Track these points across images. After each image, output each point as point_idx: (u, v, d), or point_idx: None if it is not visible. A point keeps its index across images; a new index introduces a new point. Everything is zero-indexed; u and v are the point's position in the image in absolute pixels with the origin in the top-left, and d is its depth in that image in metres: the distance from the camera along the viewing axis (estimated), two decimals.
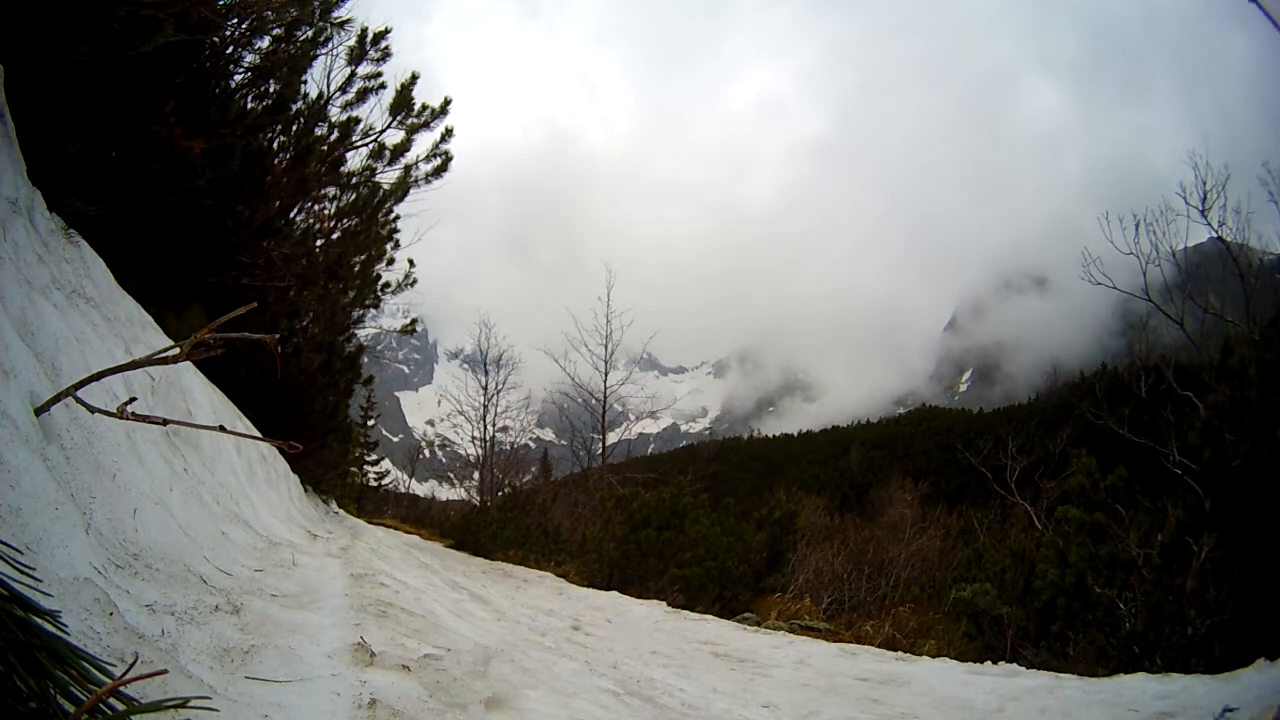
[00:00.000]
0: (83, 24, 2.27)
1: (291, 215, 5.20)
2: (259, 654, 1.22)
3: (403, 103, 5.64)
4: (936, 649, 5.62)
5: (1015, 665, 3.49)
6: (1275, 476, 3.81)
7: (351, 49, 5.25)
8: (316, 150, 4.80)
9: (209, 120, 3.50)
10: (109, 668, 0.80)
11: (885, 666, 3.27)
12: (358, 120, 5.48)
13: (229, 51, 4.07)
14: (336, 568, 2.44)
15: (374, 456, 19.16)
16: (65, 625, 0.81)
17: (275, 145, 4.74)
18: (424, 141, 6.02)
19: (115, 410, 1.26)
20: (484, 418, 15.43)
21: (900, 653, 4.44)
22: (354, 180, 5.81)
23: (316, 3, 4.43)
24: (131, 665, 0.86)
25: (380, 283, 7.32)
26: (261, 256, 4.39)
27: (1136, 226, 7.57)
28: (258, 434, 3.70)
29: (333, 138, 5.30)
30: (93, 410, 1.30)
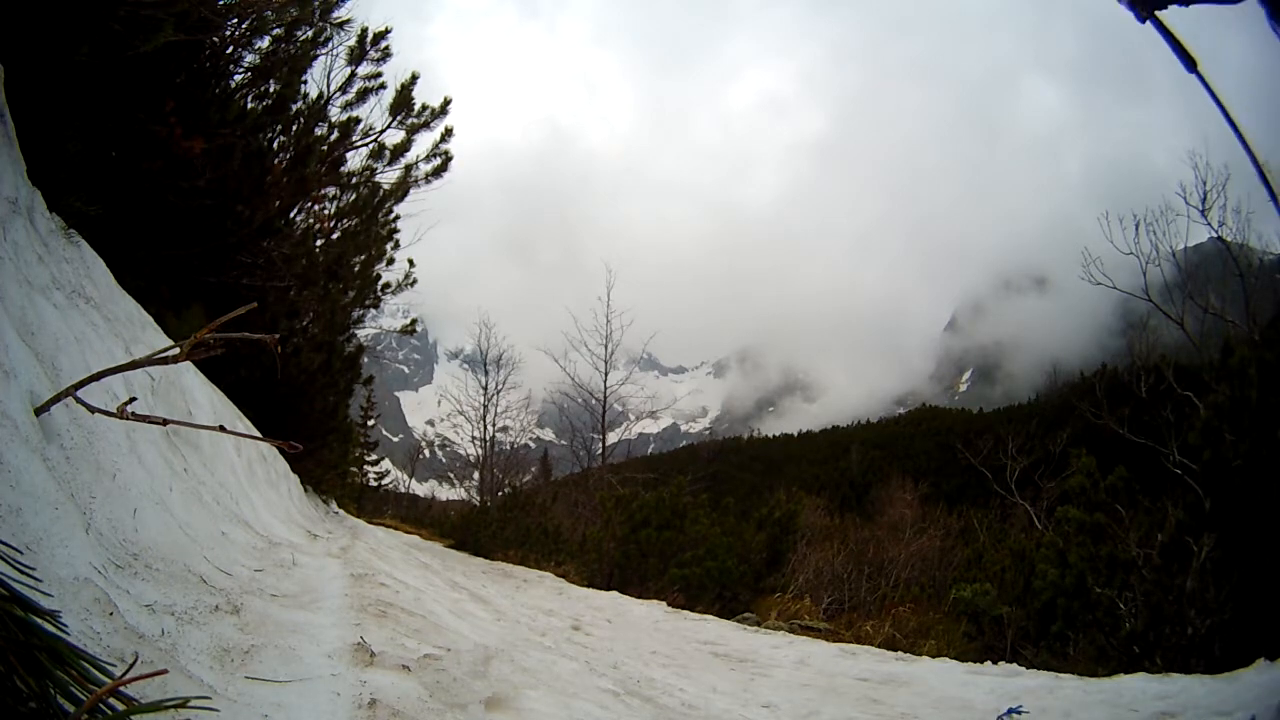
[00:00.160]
0: (83, 24, 2.27)
1: (291, 215, 5.20)
2: (259, 654, 1.22)
3: (403, 103, 5.64)
4: (936, 649, 5.62)
5: (1015, 665, 3.49)
6: (1275, 476, 3.81)
7: (351, 49, 5.26)
8: (316, 150, 4.80)
9: (209, 120, 3.50)
10: (109, 668, 0.80)
11: (885, 666, 3.27)
12: (358, 120, 5.48)
13: (229, 51, 4.07)
14: (336, 568, 2.44)
15: (374, 456, 19.17)
16: (65, 625, 0.81)
17: (275, 145, 4.75)
18: (424, 141, 6.03)
19: (115, 410, 1.26)
20: (484, 418, 15.44)
21: (900, 653, 4.44)
22: (354, 180, 5.81)
23: (316, 3, 4.43)
24: (131, 665, 0.86)
25: (380, 283, 7.32)
26: (261, 256, 4.39)
27: (1136, 226, 7.58)
28: (258, 434, 3.70)
29: (333, 138, 5.30)
30: (93, 410, 1.30)
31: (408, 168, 6.05)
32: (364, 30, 5.22)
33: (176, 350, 1.26)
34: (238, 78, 4.31)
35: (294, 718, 1.02)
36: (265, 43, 4.35)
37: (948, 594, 7.81)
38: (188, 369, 2.74)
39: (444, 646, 1.61)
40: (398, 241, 7.16)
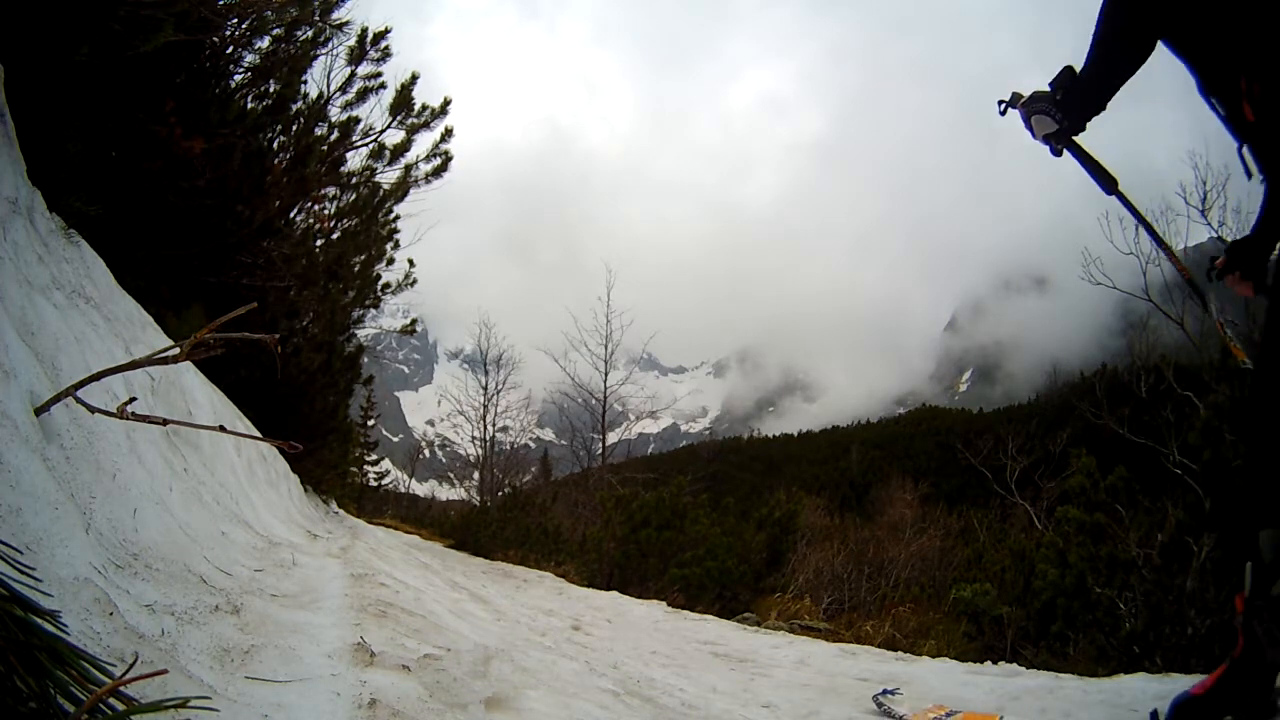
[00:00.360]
0: (83, 24, 2.27)
1: (291, 215, 5.20)
2: (259, 654, 1.22)
3: (403, 103, 5.65)
4: (936, 649, 5.62)
5: (1015, 665, 3.48)
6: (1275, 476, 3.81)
7: (351, 49, 5.26)
8: (316, 150, 4.80)
9: (209, 120, 3.51)
10: (109, 668, 0.80)
11: (885, 666, 3.27)
12: (358, 120, 5.49)
13: (229, 51, 4.07)
14: (336, 568, 2.44)
15: (374, 456, 19.19)
16: (65, 625, 0.81)
17: (275, 145, 4.75)
18: (424, 141, 6.03)
19: (115, 410, 1.26)
20: (484, 418, 15.46)
21: (900, 653, 4.44)
22: (354, 180, 5.82)
23: (316, 3, 4.43)
24: (131, 665, 0.86)
25: (380, 283, 7.32)
26: (261, 256, 4.39)
27: (1136, 227, 7.58)
28: (258, 434, 3.70)
29: (333, 138, 5.30)
30: (93, 410, 1.30)
31: (408, 168, 6.06)
32: (364, 30, 5.23)
33: (176, 350, 1.26)
34: (238, 78, 4.31)
35: (294, 718, 1.02)
36: (265, 43, 4.36)
37: (948, 594, 7.82)
38: (188, 369, 2.74)
39: (444, 646, 1.61)
40: (398, 241, 7.17)
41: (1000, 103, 1.98)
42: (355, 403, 11.33)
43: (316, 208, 5.62)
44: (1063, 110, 1.82)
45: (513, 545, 9.04)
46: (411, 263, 7.59)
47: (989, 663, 3.93)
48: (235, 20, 3.77)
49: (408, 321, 9.25)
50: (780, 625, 6.17)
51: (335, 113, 5.35)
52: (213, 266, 3.97)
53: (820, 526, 12.55)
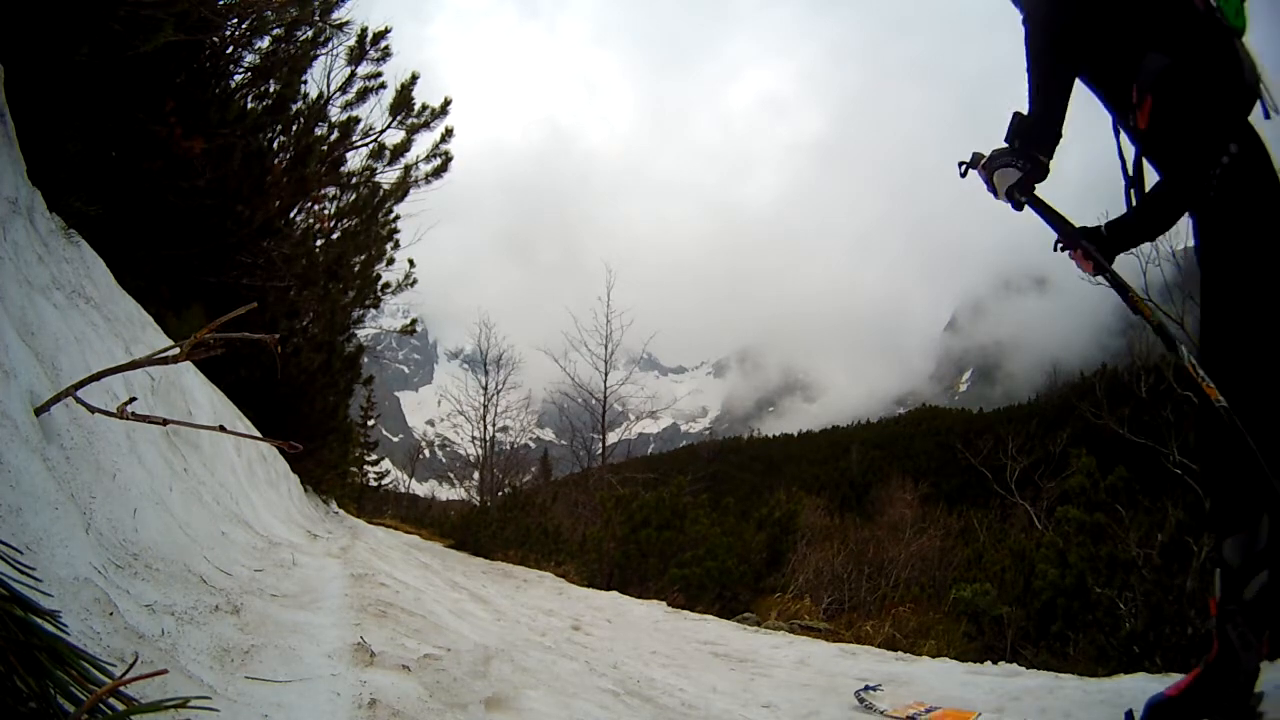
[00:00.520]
0: (83, 24, 2.27)
1: (291, 215, 5.20)
2: (259, 654, 1.21)
3: (403, 103, 5.65)
4: (936, 649, 5.62)
5: (1015, 665, 3.48)
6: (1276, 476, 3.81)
7: (351, 49, 5.26)
8: (316, 150, 4.80)
9: (209, 120, 3.51)
10: (109, 668, 0.80)
11: (885, 666, 3.27)
12: (358, 120, 5.49)
13: (229, 51, 4.07)
14: (336, 568, 2.44)
15: (374, 456, 19.18)
16: (65, 625, 0.81)
17: (275, 145, 4.75)
18: (424, 141, 6.04)
19: (115, 410, 1.26)
20: (484, 418, 15.46)
21: (900, 653, 4.44)
22: (354, 180, 5.82)
23: (316, 3, 4.43)
24: (131, 665, 0.86)
25: (380, 283, 7.32)
26: (261, 256, 4.39)
27: None
28: (258, 434, 3.70)
29: (333, 138, 5.30)
30: (93, 410, 1.30)
31: (408, 168, 6.06)
32: (364, 30, 5.23)
33: (176, 350, 1.26)
34: (238, 78, 4.31)
35: (294, 718, 1.02)
36: (265, 43, 4.36)
37: (948, 594, 7.82)
38: (188, 369, 2.74)
39: (444, 646, 1.61)
40: (398, 241, 7.17)
41: (960, 164, 1.99)
42: (355, 403, 11.33)
43: (316, 208, 5.62)
44: (1023, 156, 1.84)
45: (513, 545, 9.04)
46: (411, 263, 7.60)
47: (989, 663, 3.93)
48: (235, 20, 3.77)
49: (408, 321, 9.25)
50: (780, 625, 6.17)
51: (335, 113, 5.36)
52: (213, 266, 3.97)
53: (820, 526, 12.55)
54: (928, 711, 2.23)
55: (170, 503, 1.71)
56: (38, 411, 1.24)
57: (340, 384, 6.49)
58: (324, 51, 5.02)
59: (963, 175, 2.00)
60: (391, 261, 7.25)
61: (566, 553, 9.10)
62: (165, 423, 1.33)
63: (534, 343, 15.84)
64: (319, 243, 5.62)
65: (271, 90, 4.48)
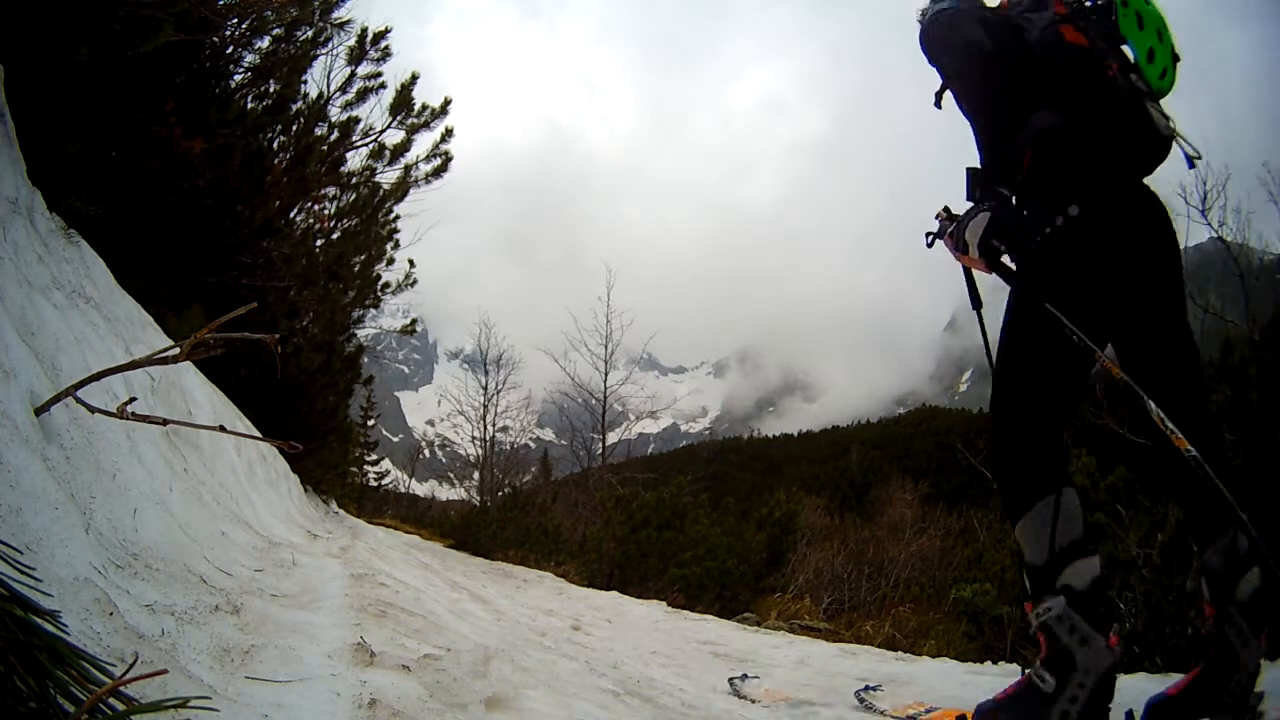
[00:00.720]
0: (83, 24, 2.28)
1: (291, 215, 5.20)
2: (259, 654, 1.22)
3: (403, 103, 5.65)
4: (936, 649, 5.62)
5: (1015, 665, 3.49)
6: (1275, 476, 3.81)
7: (351, 49, 5.26)
8: (316, 150, 4.80)
9: (209, 120, 3.51)
10: (109, 668, 0.80)
11: (885, 666, 3.27)
12: (358, 120, 5.49)
13: (229, 51, 4.07)
14: (336, 568, 2.44)
15: (374, 456, 19.16)
16: (65, 625, 0.81)
17: (275, 145, 4.75)
18: (424, 141, 6.04)
19: (115, 410, 1.26)
20: (484, 418, 15.47)
21: (900, 653, 4.44)
22: (354, 180, 5.82)
23: (316, 3, 4.43)
24: (131, 665, 0.86)
25: (380, 283, 7.33)
26: (261, 256, 4.39)
27: None
28: (258, 434, 3.70)
29: (333, 138, 5.30)
30: (93, 410, 1.30)
31: (408, 168, 6.06)
32: (364, 30, 5.23)
33: (176, 350, 1.26)
34: (238, 78, 4.31)
35: (294, 718, 1.02)
36: (265, 43, 4.36)
37: (948, 594, 7.82)
38: (188, 369, 2.74)
39: (444, 646, 1.61)
40: (398, 241, 7.17)
41: (928, 235, 1.99)
42: (355, 403, 11.33)
43: (316, 208, 5.62)
44: (989, 198, 1.80)
45: (513, 545, 9.04)
46: (411, 263, 7.60)
47: (989, 663, 3.92)
48: (235, 20, 3.77)
49: (408, 321, 9.26)
50: (780, 625, 6.17)
51: (335, 113, 5.36)
52: (213, 266, 3.97)
53: (820, 526, 12.55)
54: (928, 711, 2.24)
55: (170, 503, 1.71)
56: (38, 411, 1.24)
57: (340, 384, 6.49)
58: (324, 51, 5.03)
59: (929, 245, 2.00)
60: (391, 261, 7.26)
61: (566, 553, 9.10)
62: (165, 423, 1.33)
63: (534, 343, 15.85)
64: (319, 243, 5.62)
65: (271, 90, 4.48)
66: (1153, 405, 1.66)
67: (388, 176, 6.03)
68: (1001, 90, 1.75)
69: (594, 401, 13.64)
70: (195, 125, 3.30)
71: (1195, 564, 4.23)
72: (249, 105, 4.31)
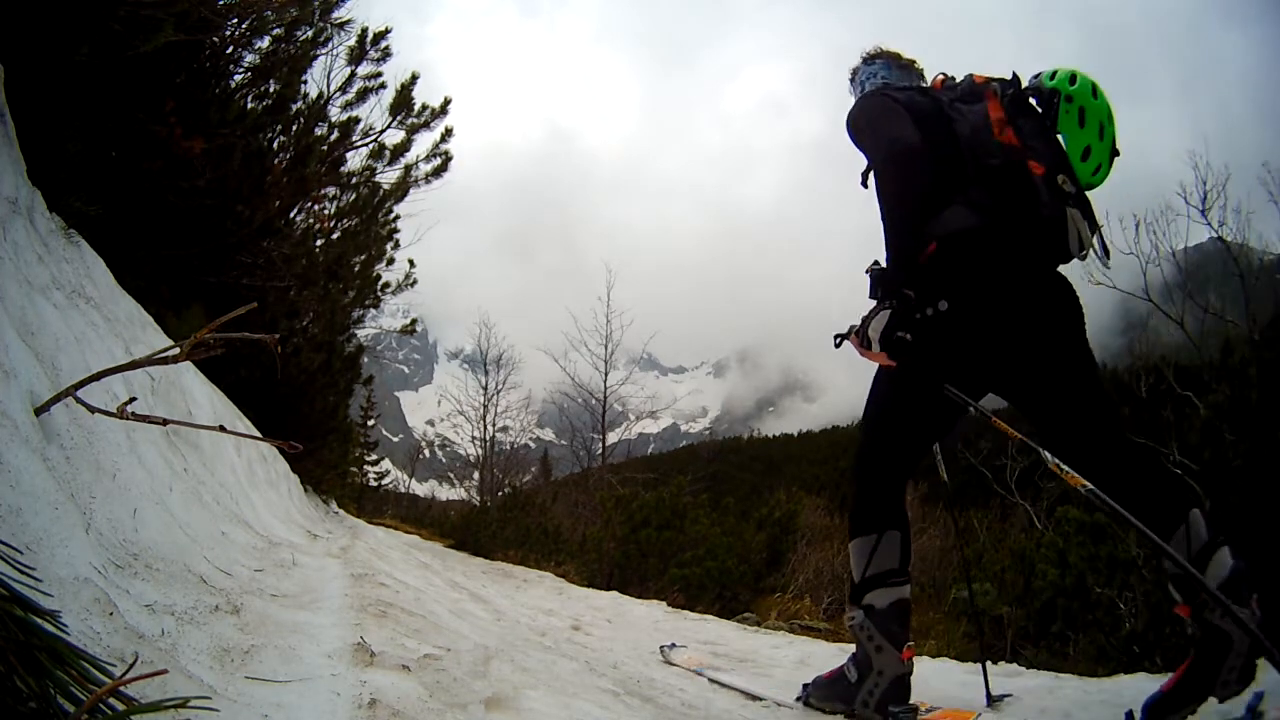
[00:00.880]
0: (83, 24, 2.28)
1: (291, 215, 5.20)
2: (259, 654, 1.22)
3: (403, 103, 5.65)
4: (936, 649, 5.62)
5: (1015, 665, 3.48)
6: (1275, 476, 3.81)
7: (351, 49, 5.26)
8: (316, 150, 4.80)
9: (209, 120, 3.50)
10: (109, 668, 0.80)
11: None
12: (358, 120, 5.49)
13: (229, 51, 4.07)
14: (336, 567, 2.44)
15: (374, 456, 19.16)
16: (65, 625, 0.81)
17: (275, 145, 4.75)
18: (424, 141, 6.04)
19: (115, 410, 1.26)
20: (484, 418, 15.46)
21: None
22: (354, 180, 5.82)
23: (316, 3, 4.43)
24: (131, 665, 0.86)
25: (380, 283, 7.33)
26: (261, 256, 4.39)
27: (1136, 226, 7.58)
28: (258, 434, 3.70)
29: (333, 138, 5.30)
30: (93, 410, 1.30)
31: (408, 168, 6.06)
32: (364, 30, 5.23)
33: (176, 350, 1.26)
34: (238, 78, 4.31)
35: (294, 718, 1.02)
36: (265, 43, 4.35)
37: (948, 594, 7.82)
38: (188, 369, 2.74)
39: (444, 646, 1.61)
40: (398, 241, 7.17)
41: (836, 337, 2.11)
42: (355, 403, 11.33)
43: (316, 208, 5.62)
44: (890, 297, 1.91)
45: (513, 545, 9.03)
46: (411, 263, 7.60)
47: (989, 663, 3.92)
48: (235, 20, 3.77)
49: (408, 321, 9.26)
50: (780, 625, 6.17)
51: (335, 113, 5.36)
52: (213, 266, 3.97)
53: (820, 526, 12.53)
54: (928, 711, 2.24)
55: (170, 503, 1.71)
56: (38, 411, 1.24)
57: (340, 384, 6.49)
58: (324, 51, 5.02)
59: (837, 346, 2.11)
60: (391, 261, 7.26)
61: (566, 553, 9.10)
62: (165, 423, 1.33)
63: (534, 343, 15.84)
64: (319, 243, 5.62)
65: (271, 90, 4.48)
66: (1047, 455, 1.85)
67: (388, 176, 6.03)
68: (918, 198, 1.86)
69: (594, 401, 13.64)
70: (195, 125, 3.30)
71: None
72: (249, 105, 4.31)
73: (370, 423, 19.07)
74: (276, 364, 1.44)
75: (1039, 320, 1.88)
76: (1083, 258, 1.93)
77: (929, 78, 2.21)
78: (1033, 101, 1.94)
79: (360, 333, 7.89)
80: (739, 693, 2.47)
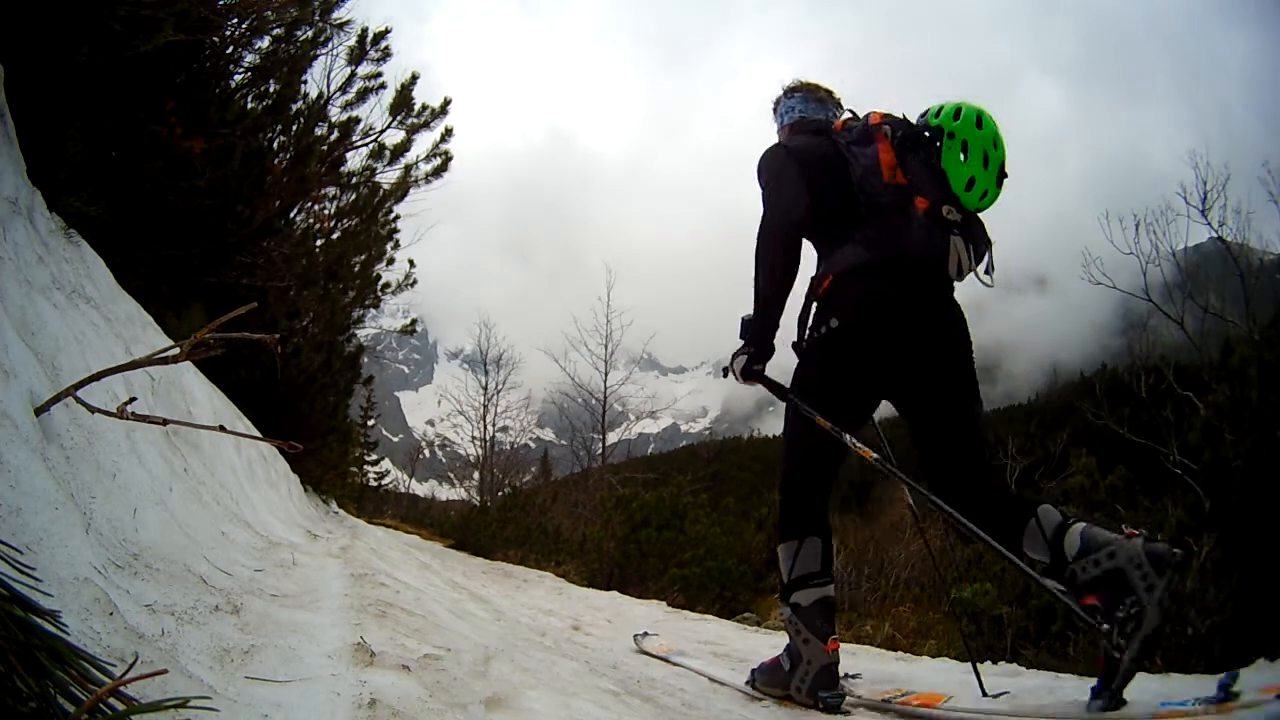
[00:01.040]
0: (83, 24, 2.28)
1: (291, 215, 5.19)
2: (259, 654, 1.22)
3: (403, 103, 5.64)
4: (936, 649, 5.62)
5: (1015, 665, 3.48)
6: (1275, 476, 3.81)
7: (351, 49, 5.25)
8: (316, 150, 4.80)
9: (209, 120, 3.50)
10: (109, 668, 0.80)
11: (885, 666, 3.27)
12: (358, 120, 5.48)
13: (229, 51, 4.07)
14: (336, 567, 2.44)
15: (374, 456, 19.16)
16: (65, 625, 0.81)
17: (275, 145, 4.74)
18: (424, 141, 6.03)
19: (115, 410, 1.26)
20: (484, 418, 15.47)
21: (900, 653, 4.44)
22: (354, 180, 5.81)
23: (316, 3, 4.42)
24: (131, 665, 0.86)
25: (380, 283, 7.33)
26: (261, 256, 4.39)
27: (1136, 226, 7.59)
28: (258, 434, 3.70)
29: (333, 138, 5.30)
30: (93, 410, 1.30)
31: (408, 168, 6.05)
32: (364, 30, 5.22)
33: (176, 350, 1.26)
34: (238, 78, 4.31)
35: (294, 718, 1.02)
36: (265, 43, 4.35)
37: (948, 594, 7.81)
38: (188, 369, 2.74)
39: (444, 646, 1.61)
40: (398, 241, 7.17)
41: (722, 369, 2.48)
42: (355, 403, 11.33)
43: (316, 208, 5.62)
44: (753, 345, 2.34)
45: (513, 545, 9.04)
46: (411, 263, 7.60)
47: (989, 663, 3.92)
48: (235, 20, 3.77)
49: (408, 321, 9.26)
50: (780, 625, 6.16)
51: (335, 113, 5.35)
52: (213, 266, 3.97)
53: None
54: (903, 696, 2.34)
55: (170, 503, 1.71)
56: (38, 411, 1.24)
57: (340, 384, 6.49)
58: (324, 51, 5.01)
59: (724, 376, 2.48)
60: (391, 261, 7.26)
61: (566, 553, 9.10)
62: (165, 423, 1.33)
63: (534, 343, 15.86)
64: (319, 243, 5.61)
65: (271, 90, 4.48)
66: (909, 486, 2.21)
67: (388, 176, 6.02)
68: (788, 270, 2.20)
69: (594, 401, 13.65)
70: (195, 125, 3.30)
71: (1195, 564, 4.24)
72: (249, 105, 4.31)
73: (370, 423, 19.06)
74: (276, 364, 1.45)
75: (916, 338, 2.14)
76: (960, 279, 2.18)
77: (865, 111, 2.42)
78: (927, 135, 2.17)
79: (360, 333, 7.90)
80: (739, 692, 2.47)
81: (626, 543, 8.38)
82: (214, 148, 3.49)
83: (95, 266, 2.24)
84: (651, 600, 6.13)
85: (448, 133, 6.11)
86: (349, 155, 5.57)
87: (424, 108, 5.82)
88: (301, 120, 4.89)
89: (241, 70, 4.31)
